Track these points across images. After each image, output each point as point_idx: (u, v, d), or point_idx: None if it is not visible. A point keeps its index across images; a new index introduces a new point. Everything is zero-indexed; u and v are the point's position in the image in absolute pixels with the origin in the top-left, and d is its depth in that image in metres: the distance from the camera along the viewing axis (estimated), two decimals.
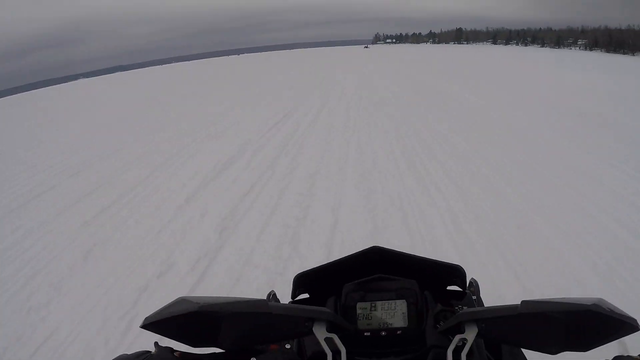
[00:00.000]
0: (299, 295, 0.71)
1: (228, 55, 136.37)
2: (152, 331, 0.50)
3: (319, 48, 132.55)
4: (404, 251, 0.69)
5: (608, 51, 56.39)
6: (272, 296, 0.73)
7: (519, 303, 0.46)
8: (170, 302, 0.51)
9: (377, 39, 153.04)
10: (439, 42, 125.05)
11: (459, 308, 0.63)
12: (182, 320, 0.48)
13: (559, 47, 77.40)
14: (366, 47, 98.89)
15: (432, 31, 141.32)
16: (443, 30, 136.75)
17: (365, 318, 0.61)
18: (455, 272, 0.70)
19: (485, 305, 0.64)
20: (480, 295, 0.73)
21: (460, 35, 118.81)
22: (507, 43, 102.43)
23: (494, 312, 0.48)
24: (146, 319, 0.50)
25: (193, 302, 0.48)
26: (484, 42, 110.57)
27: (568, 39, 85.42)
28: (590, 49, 63.40)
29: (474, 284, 0.74)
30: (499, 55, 36.65)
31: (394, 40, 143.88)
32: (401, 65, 24.77)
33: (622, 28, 68.29)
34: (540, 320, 0.45)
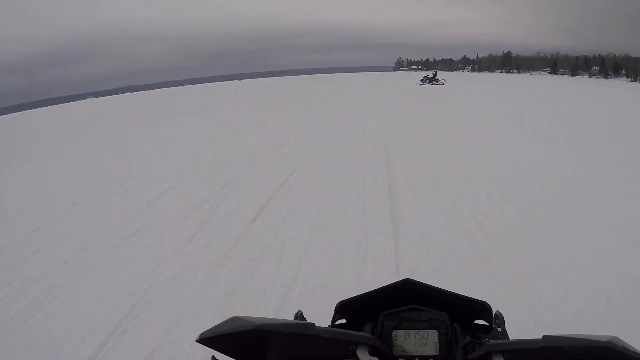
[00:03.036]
0: (337, 320, 0.76)
1: (233, 79, 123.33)
2: (206, 346, 0.54)
3: (335, 74, 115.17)
4: (434, 285, 0.73)
5: None
6: (300, 315, 0.79)
7: (541, 337, 0.50)
8: (224, 320, 0.55)
9: (400, 65, 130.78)
10: (479, 70, 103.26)
11: (486, 341, 0.64)
12: (235, 338, 0.53)
13: None
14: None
15: (467, 56, 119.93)
16: (480, 56, 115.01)
17: (400, 345, 0.65)
18: (482, 308, 0.73)
19: (510, 337, 0.72)
20: (506, 328, 0.77)
21: (509, 62, 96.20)
22: (574, 74, 79.73)
23: (518, 344, 0.53)
24: (201, 334, 0.54)
25: (247, 321, 0.52)
26: (542, 72, 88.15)
27: None
28: None
29: (499, 317, 0.79)
30: None
31: (420, 67, 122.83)
32: None
33: None
34: (561, 354, 0.49)
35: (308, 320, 0.62)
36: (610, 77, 69.90)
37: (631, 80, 61.81)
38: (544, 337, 0.50)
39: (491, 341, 0.61)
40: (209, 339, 0.52)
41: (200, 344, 0.53)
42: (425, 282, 0.73)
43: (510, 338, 0.68)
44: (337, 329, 0.59)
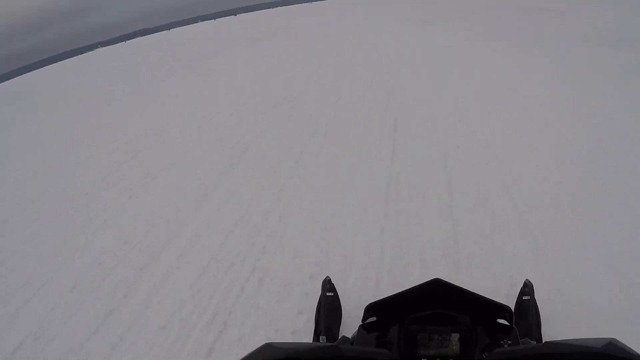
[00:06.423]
0: (368, 319, 0.82)
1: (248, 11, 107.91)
2: None
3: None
4: (461, 286, 0.76)
5: None
6: (328, 281, 1.09)
7: (543, 343, 0.53)
8: (257, 348, 0.57)
9: None
10: None
11: (504, 342, 0.71)
12: None
13: None
14: None
15: None
16: None
17: (424, 347, 0.70)
18: (504, 309, 0.77)
19: (540, 307, 0.92)
20: (535, 296, 0.92)
21: None
22: None
23: (523, 351, 0.56)
24: None
25: (278, 348, 0.56)
26: None
27: None
28: None
29: (529, 285, 0.94)
30: None
31: None
32: None
33: None
34: None
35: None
36: None
37: None
38: (545, 343, 0.52)
39: (497, 350, 0.63)
40: None
41: None
42: (452, 282, 0.76)
43: (540, 308, 0.90)
44: (359, 348, 0.66)
